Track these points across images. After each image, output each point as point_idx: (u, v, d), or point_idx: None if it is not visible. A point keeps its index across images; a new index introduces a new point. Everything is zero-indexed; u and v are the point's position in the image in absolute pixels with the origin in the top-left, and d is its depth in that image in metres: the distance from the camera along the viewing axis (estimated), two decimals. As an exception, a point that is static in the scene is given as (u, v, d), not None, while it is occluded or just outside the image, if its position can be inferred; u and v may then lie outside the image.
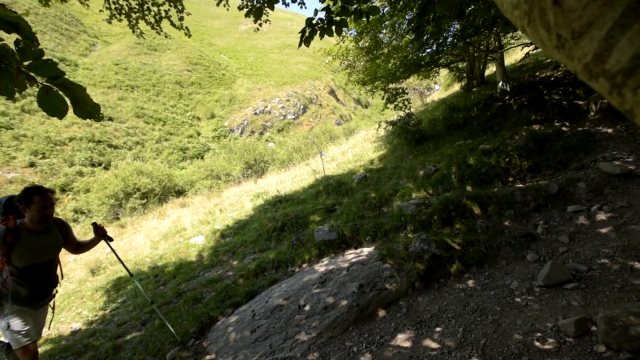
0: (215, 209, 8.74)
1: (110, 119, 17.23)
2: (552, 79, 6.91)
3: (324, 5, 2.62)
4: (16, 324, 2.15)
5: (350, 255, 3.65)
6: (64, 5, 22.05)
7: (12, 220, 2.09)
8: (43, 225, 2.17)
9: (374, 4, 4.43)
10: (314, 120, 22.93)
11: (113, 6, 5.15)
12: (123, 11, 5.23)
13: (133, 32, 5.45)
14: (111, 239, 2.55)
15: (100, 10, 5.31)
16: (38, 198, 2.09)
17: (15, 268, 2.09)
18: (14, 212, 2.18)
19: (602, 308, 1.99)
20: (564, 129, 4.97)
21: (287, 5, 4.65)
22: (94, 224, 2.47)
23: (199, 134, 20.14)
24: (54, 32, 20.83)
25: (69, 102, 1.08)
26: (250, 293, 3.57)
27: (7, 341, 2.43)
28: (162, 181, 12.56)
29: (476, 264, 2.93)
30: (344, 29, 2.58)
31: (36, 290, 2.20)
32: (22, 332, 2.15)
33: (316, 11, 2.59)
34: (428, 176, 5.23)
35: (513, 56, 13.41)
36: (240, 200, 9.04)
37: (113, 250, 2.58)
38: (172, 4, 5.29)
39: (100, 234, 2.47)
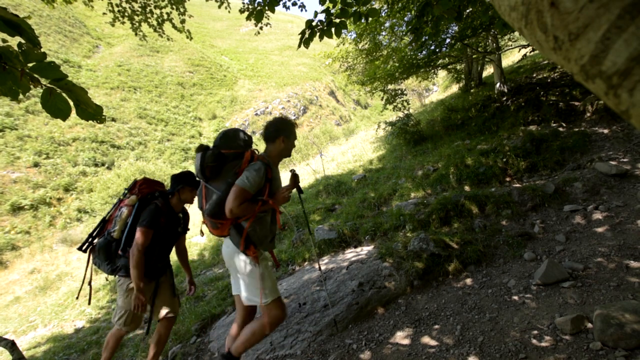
0: (216, 209, 8.77)
1: (113, 119, 17.34)
2: (549, 80, 6.93)
3: (324, 7, 2.66)
4: (270, 272, 1.90)
5: (350, 254, 3.68)
6: (68, 7, 22.22)
7: (257, 154, 1.87)
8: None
9: (373, 6, 4.46)
10: (314, 121, 22.98)
11: (116, 9, 5.22)
12: (126, 14, 5.30)
13: (136, 34, 5.51)
14: (302, 192, 2.36)
15: (104, 13, 5.39)
16: (295, 127, 1.96)
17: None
18: (247, 148, 1.93)
19: (598, 306, 2.01)
20: (561, 129, 5.00)
21: (287, 8, 4.70)
22: (293, 171, 2.18)
23: (200, 135, 20.21)
24: (58, 34, 21.00)
25: (72, 104, 1.09)
26: (251, 292, 3.60)
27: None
28: (165, 181, 12.63)
29: (474, 262, 2.95)
30: (343, 30, 2.62)
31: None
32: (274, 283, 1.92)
33: (316, 13, 2.63)
34: (426, 176, 5.25)
35: (510, 58, 13.42)
36: (241, 201, 9.05)
37: (302, 203, 2.42)
38: (174, 6, 5.35)
39: (297, 182, 2.21)
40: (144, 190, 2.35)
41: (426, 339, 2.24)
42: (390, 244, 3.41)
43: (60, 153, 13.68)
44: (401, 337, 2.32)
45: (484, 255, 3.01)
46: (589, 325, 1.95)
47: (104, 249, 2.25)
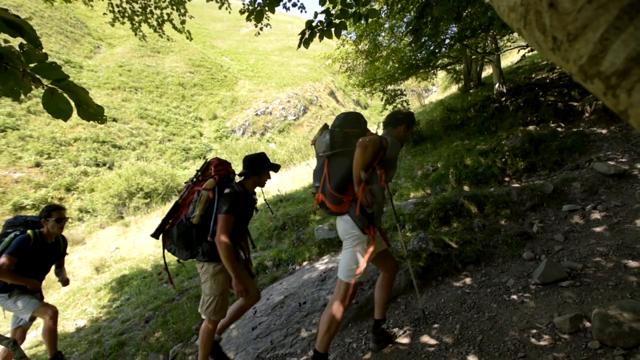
0: (217, 209, 8.79)
1: (115, 120, 17.38)
2: (548, 80, 6.93)
3: (324, 8, 2.67)
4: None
5: (350, 254, 3.68)
6: (69, 8, 22.26)
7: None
8: None
9: (372, 7, 4.48)
10: (314, 121, 22.97)
11: (116, 9, 5.24)
12: (126, 14, 5.32)
13: (136, 34, 5.53)
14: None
15: (104, 13, 5.40)
16: (415, 125, 2.09)
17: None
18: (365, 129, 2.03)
19: (596, 305, 2.01)
20: (559, 129, 5.01)
21: (287, 9, 4.72)
22: None
23: (201, 135, 20.25)
24: (60, 34, 21.06)
25: (73, 104, 1.09)
26: (251, 291, 3.62)
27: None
28: (165, 181, 12.67)
29: (473, 262, 2.96)
30: (342, 31, 2.63)
31: None
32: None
33: (316, 14, 2.64)
34: (426, 176, 5.27)
35: (509, 58, 13.42)
36: (241, 201, 9.07)
37: (390, 195, 2.42)
38: (174, 7, 5.37)
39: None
40: (221, 173, 2.23)
41: (425, 338, 2.24)
42: (390, 243, 3.42)
43: (62, 153, 13.73)
44: (401, 336, 2.33)
45: (483, 255, 3.02)
46: (588, 324, 1.95)
47: (184, 236, 2.09)
